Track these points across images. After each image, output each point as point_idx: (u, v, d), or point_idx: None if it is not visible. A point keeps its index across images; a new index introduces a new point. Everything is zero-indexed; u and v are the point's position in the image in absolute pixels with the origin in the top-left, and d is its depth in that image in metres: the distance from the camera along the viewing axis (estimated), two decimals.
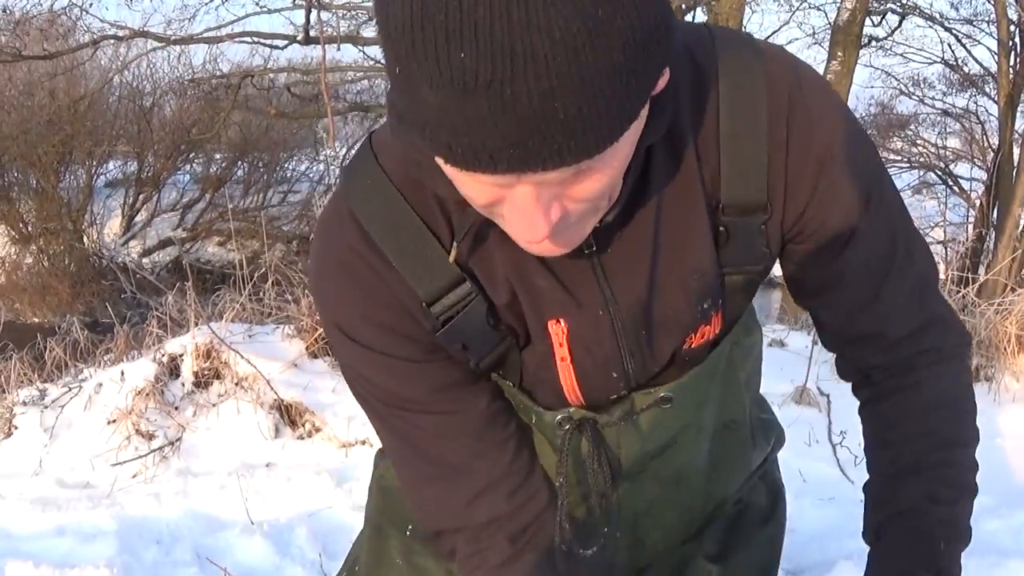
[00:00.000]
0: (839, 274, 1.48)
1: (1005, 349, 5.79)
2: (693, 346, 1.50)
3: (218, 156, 16.95)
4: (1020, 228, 9.14)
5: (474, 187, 1.12)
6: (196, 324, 5.56)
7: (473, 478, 1.53)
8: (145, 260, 15.25)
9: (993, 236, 11.42)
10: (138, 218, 16.15)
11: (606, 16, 0.97)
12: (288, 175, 18.32)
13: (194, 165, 16.91)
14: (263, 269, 6.31)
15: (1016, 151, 11.83)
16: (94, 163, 15.00)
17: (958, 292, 6.45)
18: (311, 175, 18.37)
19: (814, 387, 5.42)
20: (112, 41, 14.09)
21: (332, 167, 6.92)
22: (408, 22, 0.97)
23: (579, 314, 1.42)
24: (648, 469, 1.62)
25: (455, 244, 1.34)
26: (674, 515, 1.72)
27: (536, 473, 1.58)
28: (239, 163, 17.15)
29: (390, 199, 1.37)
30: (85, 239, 14.23)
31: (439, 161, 1.09)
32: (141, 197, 16.05)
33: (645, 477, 1.62)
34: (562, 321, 1.42)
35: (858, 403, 1.65)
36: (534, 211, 1.11)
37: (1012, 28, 13.35)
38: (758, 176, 1.38)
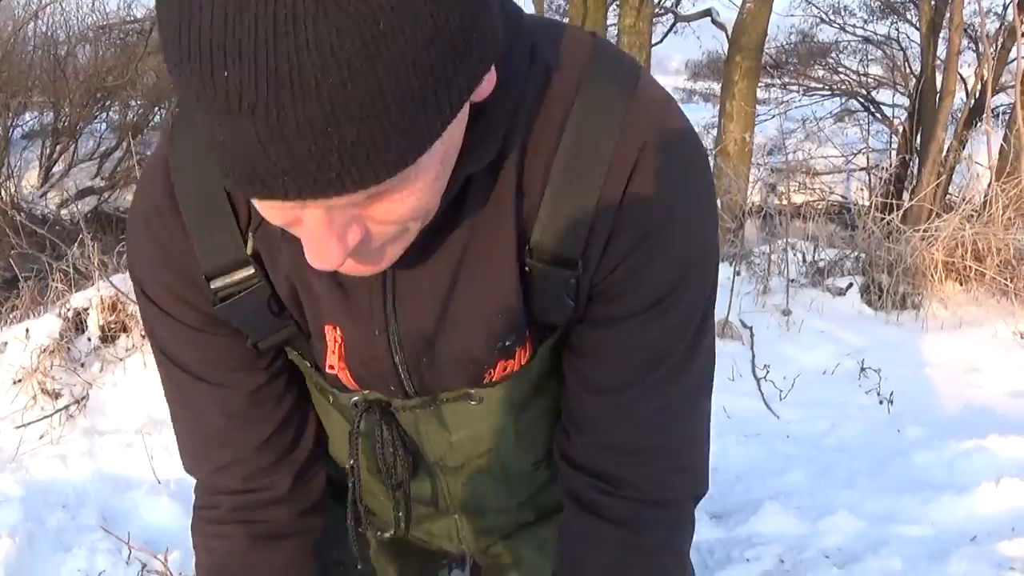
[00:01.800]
0: (607, 345, 1.37)
1: (932, 276, 5.77)
2: (495, 380, 1.42)
3: (134, 103, 16.60)
4: (943, 153, 9.13)
5: (263, 208, 1.06)
6: (100, 277, 5.37)
7: (219, 452, 1.52)
8: (64, 211, 14.93)
9: (916, 162, 11.45)
10: (56, 169, 15.81)
11: (390, 28, 0.87)
12: None
13: (110, 113, 16.56)
14: None
15: (938, 76, 11.85)
16: (10, 115, 14.63)
17: (883, 219, 6.42)
18: None
19: (736, 320, 5.37)
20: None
21: None
22: (176, 33, 0.88)
23: (354, 328, 1.35)
24: (471, 464, 1.57)
25: (251, 234, 1.30)
26: (507, 503, 1.69)
27: (283, 466, 1.54)
28: (156, 109, 16.81)
29: (205, 169, 1.29)
30: (2, 192, 13.89)
31: None
32: (58, 148, 15.70)
33: (470, 471, 1.59)
34: (338, 329, 1.36)
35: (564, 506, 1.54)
36: (327, 236, 1.02)
37: None
38: (578, 229, 1.25)
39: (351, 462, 1.53)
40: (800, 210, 7.20)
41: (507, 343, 1.37)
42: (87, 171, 16.23)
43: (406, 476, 1.55)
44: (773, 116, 17.95)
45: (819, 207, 11.15)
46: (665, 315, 1.33)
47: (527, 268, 1.29)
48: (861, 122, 18.31)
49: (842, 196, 15.79)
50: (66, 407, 4.58)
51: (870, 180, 13.62)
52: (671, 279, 1.31)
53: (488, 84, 1.07)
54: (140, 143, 15.87)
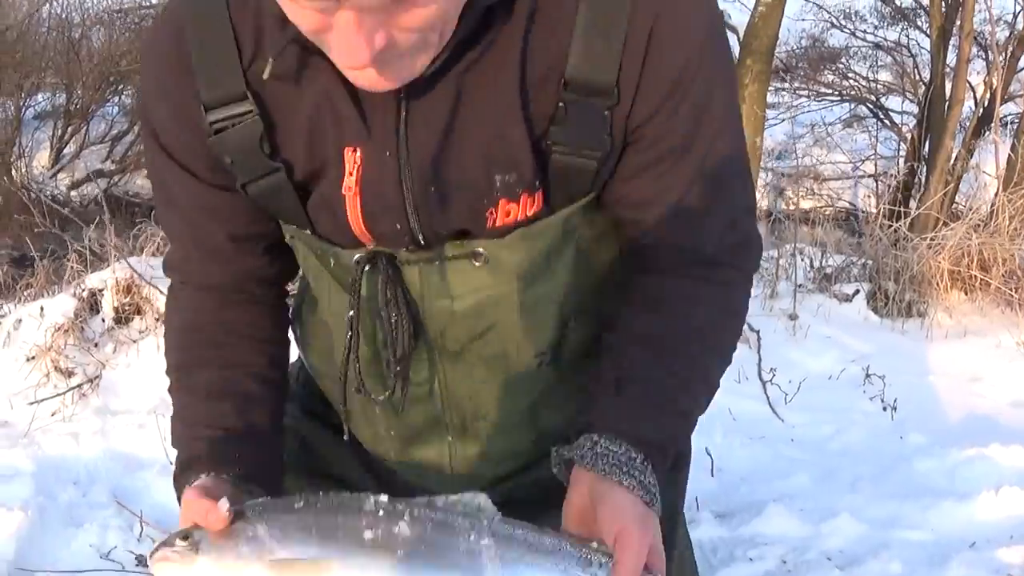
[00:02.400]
0: (666, 189, 1.48)
1: (938, 284, 5.81)
2: (497, 224, 1.45)
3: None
4: (951, 161, 9.14)
5: (298, 13, 1.16)
6: (116, 259, 5.42)
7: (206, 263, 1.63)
8: (73, 193, 14.95)
9: (924, 169, 11.47)
10: (66, 150, 15.81)
11: None
12: None
13: (123, 97, 16.55)
14: None
15: (948, 84, 11.85)
16: (22, 95, 14.63)
17: (890, 226, 6.46)
18: None
19: (744, 324, 5.40)
20: None
21: None
22: None
23: (371, 149, 1.40)
24: (471, 349, 1.55)
25: (270, 60, 1.31)
26: (505, 412, 1.62)
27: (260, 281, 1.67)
28: None
29: (214, 6, 1.42)
30: (13, 171, 13.91)
31: None
32: (70, 129, 15.70)
33: (469, 357, 1.56)
34: (358, 151, 1.40)
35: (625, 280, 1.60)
36: (355, 37, 1.13)
37: None
38: (610, 62, 1.36)
39: (350, 313, 1.52)
40: (808, 215, 7.23)
41: (507, 178, 1.42)
42: (98, 154, 16.23)
43: (405, 346, 1.52)
44: (782, 120, 17.94)
45: (827, 213, 11.16)
46: (714, 139, 1.47)
47: (561, 103, 1.38)
48: (870, 128, 18.28)
49: (850, 203, 15.77)
50: (79, 386, 4.64)
51: (877, 187, 13.62)
52: (708, 112, 1.45)
53: None
54: None
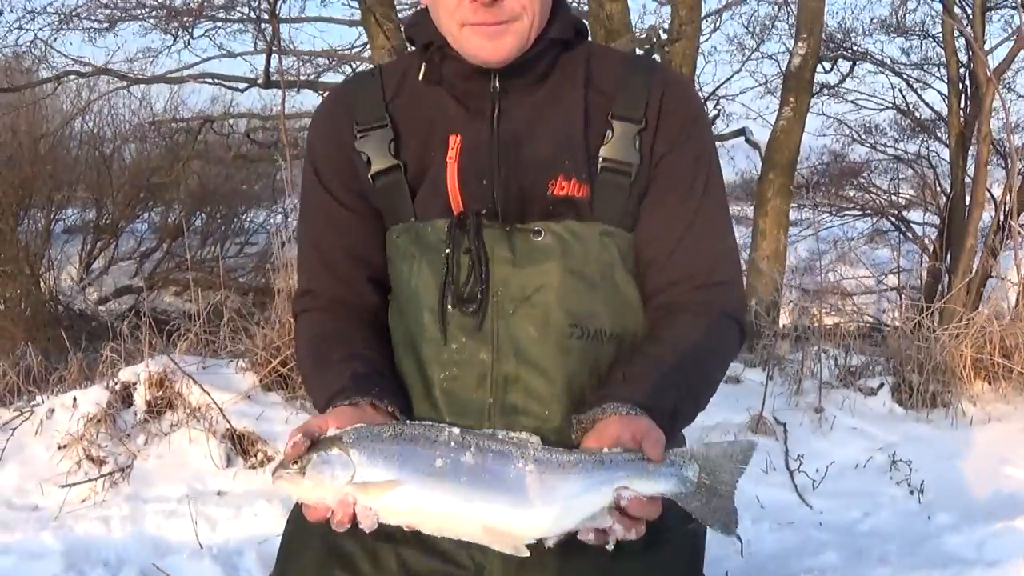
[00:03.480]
0: (673, 224, 2.05)
1: (961, 374, 5.82)
2: (555, 193, 1.99)
3: (176, 206, 16.84)
4: (975, 259, 9.20)
5: None
6: (150, 354, 5.49)
7: (335, 275, 2.16)
8: (101, 308, 15.07)
9: (946, 279, 11.51)
10: (95, 265, 15.98)
11: None
12: (246, 226, 18.20)
13: (152, 214, 16.78)
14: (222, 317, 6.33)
15: (967, 193, 11.94)
16: (53, 208, 14.84)
17: (913, 319, 6.48)
18: (268, 227, 18.26)
19: (770, 416, 5.44)
20: (74, 83, 14.17)
21: (290, 218, 6.92)
22: None
23: (469, 130, 2.01)
24: (520, 312, 1.98)
25: (423, 66, 2.07)
26: (543, 374, 1.98)
27: (370, 295, 2.15)
28: (197, 213, 17.04)
29: (370, 73, 2.22)
30: (42, 284, 14.05)
31: None
32: (99, 244, 15.89)
33: (518, 318, 1.98)
34: (459, 135, 2.02)
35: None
36: None
37: (961, 70, 13.53)
38: (640, 103, 2.03)
39: (448, 255, 1.99)
40: (832, 331, 7.28)
41: (566, 162, 1.99)
42: (126, 270, 16.41)
43: (485, 277, 1.98)
44: (805, 237, 18.00)
45: (850, 328, 11.17)
46: (709, 181, 2.10)
47: (611, 132, 2.02)
48: (892, 242, 18.35)
49: (873, 317, 15.75)
50: (110, 474, 4.68)
51: (901, 300, 13.61)
52: (706, 154, 2.10)
53: None
54: (179, 245, 16.07)
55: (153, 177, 15.53)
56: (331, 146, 2.14)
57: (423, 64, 2.07)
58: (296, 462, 1.75)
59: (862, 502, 4.64)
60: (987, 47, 10.75)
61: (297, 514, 2.11)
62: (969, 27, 11.08)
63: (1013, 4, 14.28)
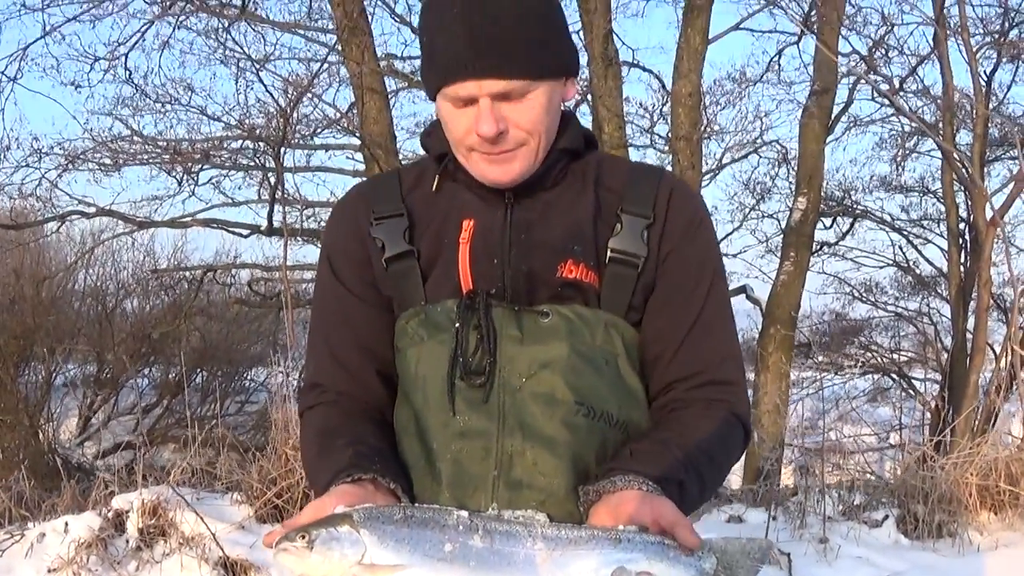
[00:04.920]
0: (679, 324, 2.07)
1: (967, 503, 5.74)
2: (564, 276, 2.02)
3: (177, 362, 16.85)
4: (979, 399, 9.14)
5: (459, 118, 1.97)
6: (144, 483, 5.44)
7: (342, 366, 2.15)
8: (99, 462, 14.95)
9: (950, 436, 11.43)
10: (94, 419, 15.90)
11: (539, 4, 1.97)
12: (246, 385, 18.20)
13: (153, 370, 16.77)
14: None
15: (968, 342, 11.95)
16: (56, 361, 14.85)
17: (917, 450, 6.42)
18: (269, 386, 18.21)
19: (775, 548, 5.35)
20: (78, 228, 14.31)
21: (291, 376, 6.93)
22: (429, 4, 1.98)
23: (483, 214, 2.06)
24: (526, 387, 1.98)
25: (436, 177, 2.13)
26: (548, 450, 1.96)
27: (376, 389, 2.14)
28: (198, 370, 17.04)
29: (389, 173, 2.29)
30: (40, 435, 13.98)
31: (441, 103, 1.99)
32: (99, 398, 15.84)
33: (524, 394, 1.98)
34: (473, 219, 2.06)
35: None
36: (489, 114, 1.92)
37: (961, 225, 13.64)
38: (648, 201, 2.09)
39: (456, 329, 2.01)
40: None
41: (575, 248, 2.03)
42: (125, 425, 16.32)
43: (492, 351, 1.99)
44: (807, 395, 17.92)
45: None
46: (714, 284, 2.12)
47: (620, 224, 2.07)
48: (894, 400, 18.28)
49: (876, 475, 15.60)
50: None
51: (904, 458, 13.49)
52: (710, 257, 2.14)
53: (571, 90, 2.08)
54: (179, 402, 16.02)
55: (154, 332, 15.55)
56: (347, 235, 2.17)
57: (436, 176, 2.14)
58: (303, 536, 1.70)
59: None
60: (985, 197, 10.84)
61: None
62: (967, 175, 11.21)
63: (1012, 156, 14.52)
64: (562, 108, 2.10)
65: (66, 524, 5.00)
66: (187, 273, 15.22)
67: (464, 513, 1.75)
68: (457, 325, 2.01)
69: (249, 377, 18.02)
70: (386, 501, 1.88)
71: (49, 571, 4.74)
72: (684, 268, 2.09)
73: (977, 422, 8.08)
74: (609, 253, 2.06)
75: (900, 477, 6.37)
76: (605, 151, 2.34)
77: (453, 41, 1.91)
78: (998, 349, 12.38)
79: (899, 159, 16.57)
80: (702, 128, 12.41)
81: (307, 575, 1.72)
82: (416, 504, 1.89)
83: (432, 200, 2.13)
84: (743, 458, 11.39)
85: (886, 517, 5.90)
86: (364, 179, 2.45)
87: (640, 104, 16.47)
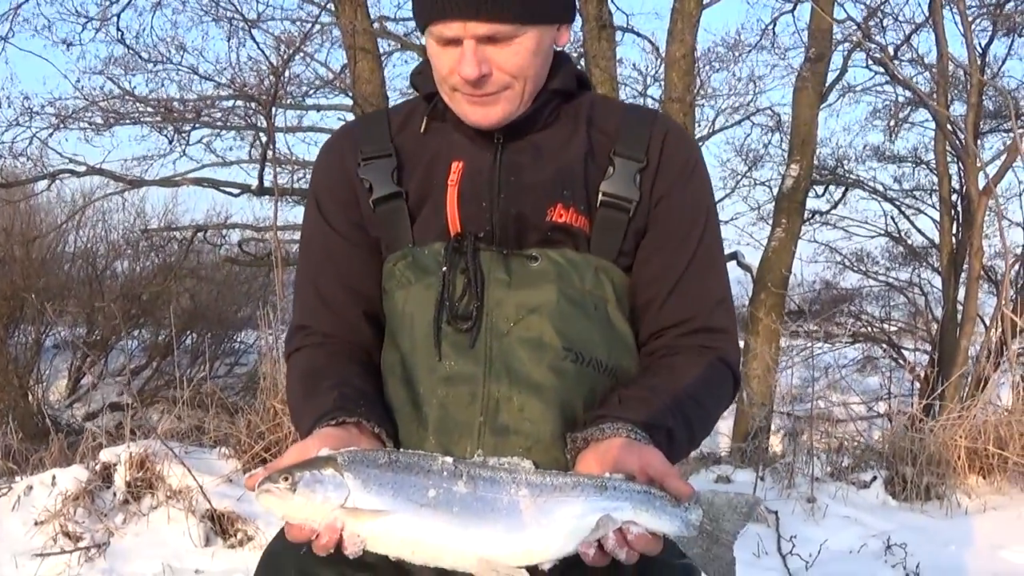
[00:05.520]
0: (671, 268, 2.05)
1: (956, 466, 5.74)
2: (553, 219, 2.00)
3: (167, 321, 16.82)
4: (968, 364, 9.16)
5: (441, 55, 1.94)
6: (132, 436, 5.43)
7: (328, 308, 2.14)
8: (89, 424, 14.94)
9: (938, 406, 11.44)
10: (84, 380, 15.88)
11: None
12: (236, 347, 18.18)
13: (143, 331, 16.73)
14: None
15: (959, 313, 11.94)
16: (45, 322, 14.82)
17: (906, 414, 6.43)
18: (258, 347, 18.18)
19: (763, 506, 5.35)
20: (68, 188, 14.27)
21: (279, 335, 6.89)
22: None
23: (472, 156, 2.04)
24: (514, 332, 1.97)
25: (425, 118, 2.11)
26: (536, 394, 1.94)
27: (365, 331, 2.13)
28: (188, 332, 17.00)
29: (377, 112, 2.30)
30: (30, 396, 13.97)
31: (428, 42, 1.95)
32: (88, 360, 15.81)
33: (511, 339, 1.97)
34: (462, 161, 2.04)
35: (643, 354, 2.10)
36: (472, 56, 1.89)
37: (953, 196, 13.60)
38: (642, 144, 2.06)
39: (440, 287, 1.99)
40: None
41: (565, 192, 2.00)
42: (115, 386, 16.30)
43: (480, 295, 1.97)
44: (796, 364, 17.93)
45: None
46: (707, 228, 2.10)
47: (610, 167, 2.04)
48: (883, 370, 18.30)
49: (865, 444, 15.62)
50: (86, 549, 4.58)
51: (892, 428, 13.51)
52: (703, 202, 2.12)
53: (564, 36, 2.03)
54: (168, 363, 16.00)
55: (144, 293, 15.52)
56: (334, 175, 2.15)
57: (425, 116, 2.12)
58: (287, 478, 1.68)
59: None
60: (979, 166, 10.82)
61: (273, 547, 2.10)
62: (961, 144, 11.18)
63: (1006, 129, 14.49)
64: (555, 50, 2.07)
65: (53, 477, 4.98)
66: (177, 233, 15.16)
67: (449, 459, 1.74)
68: (444, 269, 1.99)
69: (239, 339, 18.01)
70: (370, 445, 1.87)
71: (36, 523, 4.72)
72: (677, 213, 2.07)
73: (967, 389, 8.08)
74: (600, 196, 2.03)
75: (889, 439, 6.37)
76: (599, 93, 2.25)
77: None
78: (987, 320, 12.40)
79: (893, 128, 16.51)
80: (695, 91, 12.37)
81: (289, 517, 1.70)
82: (401, 449, 1.87)
83: (421, 140, 2.11)
84: (732, 420, 11.41)
85: (874, 478, 5.91)
86: (352, 120, 2.42)
87: (634, 66, 16.45)
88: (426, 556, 1.70)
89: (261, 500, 1.70)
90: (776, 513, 5.26)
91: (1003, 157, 11.69)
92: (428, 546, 1.69)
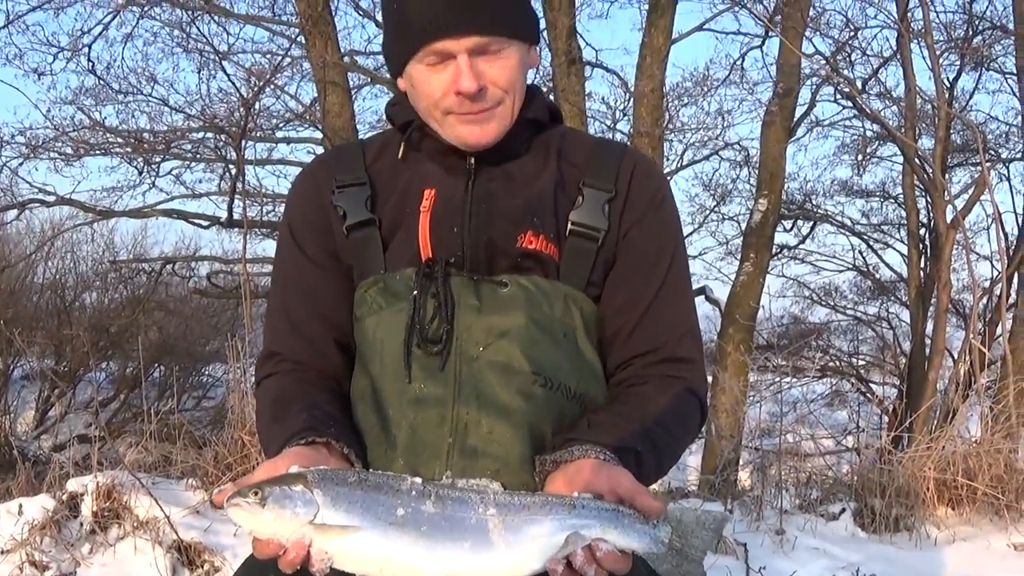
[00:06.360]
0: (640, 298, 2.09)
1: (925, 497, 5.75)
2: (524, 246, 2.02)
3: (135, 354, 16.71)
4: (935, 395, 9.20)
5: (433, 80, 1.99)
6: (99, 467, 5.38)
7: (298, 335, 2.16)
8: (63, 453, 14.79)
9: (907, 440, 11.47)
10: (52, 412, 15.76)
11: None
12: (204, 380, 18.09)
13: (111, 363, 16.63)
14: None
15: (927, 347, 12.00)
16: (13, 354, 14.71)
17: (875, 447, 6.45)
18: (227, 380, 18.05)
19: (731, 538, 5.36)
20: (37, 219, 14.21)
21: (248, 368, 6.87)
22: None
23: (444, 184, 2.08)
24: (483, 356, 1.98)
25: (402, 144, 2.16)
26: (504, 420, 1.96)
27: (335, 363, 2.16)
28: (156, 364, 16.90)
29: (352, 144, 2.33)
30: None
31: (415, 69, 2.01)
32: (57, 391, 15.69)
33: (480, 363, 1.98)
34: (435, 188, 2.08)
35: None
36: (468, 70, 1.94)
37: (921, 230, 13.71)
38: (610, 175, 2.11)
39: (410, 311, 2.01)
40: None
41: (536, 220, 2.04)
42: (82, 418, 16.17)
43: (450, 318, 1.99)
44: (763, 399, 17.95)
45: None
46: (675, 261, 2.15)
47: (580, 196, 2.08)
48: (851, 404, 18.35)
49: (832, 478, 15.63)
50: None
51: (861, 461, 13.54)
52: (672, 234, 2.16)
53: (535, 58, 2.11)
54: (136, 396, 15.89)
55: (113, 325, 15.43)
56: (309, 203, 2.18)
57: (402, 143, 2.16)
58: (256, 493, 1.68)
59: None
60: (947, 199, 10.91)
61: (244, 566, 2.10)
62: (929, 177, 11.27)
63: (973, 163, 14.62)
64: (527, 83, 2.13)
65: (20, 506, 4.93)
66: (146, 265, 15.12)
67: (418, 480, 1.75)
68: (415, 293, 2.01)
69: (207, 372, 17.92)
70: (340, 465, 1.88)
71: (2, 552, 4.67)
72: (645, 243, 2.11)
73: (936, 421, 8.11)
74: (569, 226, 2.07)
75: (858, 471, 6.39)
76: (569, 126, 2.31)
77: (431, 3, 1.93)
78: (955, 354, 12.47)
79: (861, 162, 16.64)
80: (664, 124, 12.43)
81: (257, 532, 1.70)
82: (370, 470, 1.90)
83: (395, 170, 2.15)
84: (700, 454, 11.39)
85: (843, 510, 5.91)
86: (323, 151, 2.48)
87: (603, 100, 16.54)
88: (393, 574, 1.70)
89: (230, 514, 1.71)
90: (745, 545, 5.26)
91: (971, 190, 11.80)
92: (396, 564, 1.69)
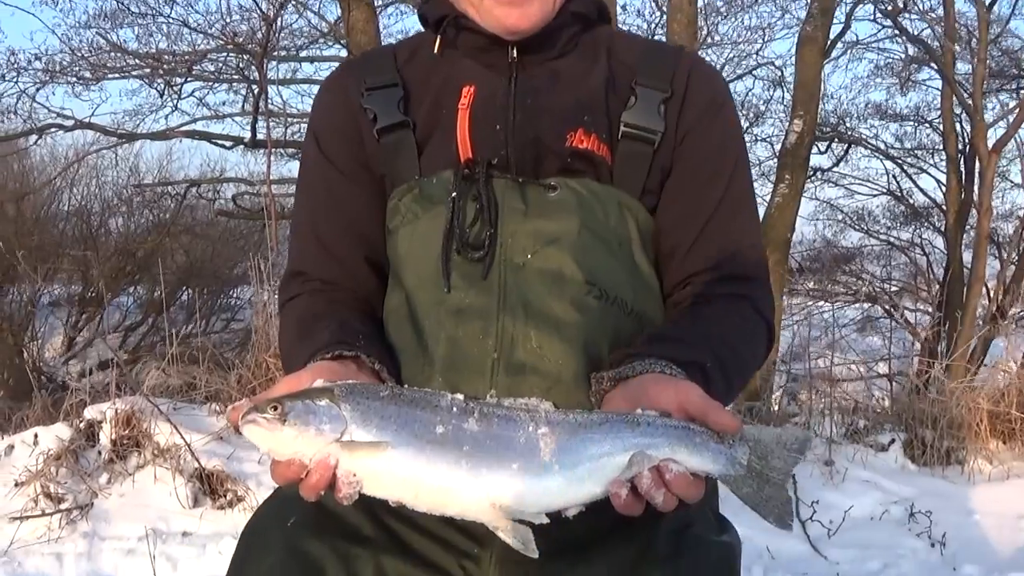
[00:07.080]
0: (699, 211, 1.87)
1: (977, 429, 5.52)
2: (574, 145, 1.81)
3: (163, 278, 16.70)
4: (981, 320, 8.99)
5: None
6: (118, 393, 5.21)
7: (328, 253, 1.95)
8: (84, 380, 14.77)
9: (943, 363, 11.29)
10: (79, 338, 15.72)
11: None
12: (232, 303, 18.06)
13: (138, 288, 16.58)
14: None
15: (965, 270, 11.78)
16: (39, 281, 14.66)
17: (925, 373, 6.23)
18: (254, 302, 18.01)
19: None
20: (62, 151, 14.05)
21: (272, 289, 6.71)
22: None
23: (484, 79, 1.87)
24: (531, 264, 1.77)
25: (438, 38, 1.93)
26: (554, 334, 1.73)
27: (367, 281, 1.94)
28: (183, 288, 16.86)
29: (380, 48, 2.17)
30: (25, 354, 13.81)
31: None
32: (84, 317, 15.65)
33: (528, 272, 1.76)
34: (473, 85, 1.86)
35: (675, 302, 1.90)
36: None
37: (959, 155, 13.41)
38: (666, 75, 1.88)
39: (448, 215, 1.79)
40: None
41: (586, 118, 1.82)
42: (111, 344, 16.16)
43: (493, 221, 1.78)
44: (796, 322, 17.79)
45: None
46: (736, 169, 1.92)
47: (634, 98, 1.86)
48: (883, 330, 18.16)
49: (864, 403, 15.52)
50: (68, 511, 4.37)
51: (891, 388, 13.38)
52: (733, 142, 1.93)
53: None
54: (163, 320, 15.85)
55: (139, 251, 15.36)
56: (336, 108, 1.98)
57: (438, 37, 1.94)
58: (275, 407, 1.47)
59: (881, 554, 4.40)
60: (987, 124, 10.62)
61: (254, 524, 1.90)
62: (970, 100, 10.94)
63: (1012, 88, 14.27)
64: None
65: (35, 436, 4.77)
66: (171, 188, 14.95)
67: (459, 396, 1.54)
68: (454, 195, 1.80)
69: (235, 295, 17.88)
70: (370, 381, 1.67)
71: (16, 484, 4.51)
72: (704, 150, 1.88)
73: (975, 350, 7.89)
74: (622, 128, 1.85)
75: (906, 401, 6.16)
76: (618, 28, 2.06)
77: None
78: (988, 283, 12.23)
79: (903, 80, 16.25)
80: (700, 39, 12.13)
81: (276, 452, 1.49)
82: (405, 386, 1.64)
83: (429, 69, 1.94)
84: None
85: (892, 441, 5.69)
86: (350, 60, 2.23)
87: (638, 12, 16.23)
88: (430, 500, 1.50)
89: (246, 432, 1.49)
90: (794, 475, 5.05)
91: (1013, 115, 11.47)
92: (433, 488, 1.49)
